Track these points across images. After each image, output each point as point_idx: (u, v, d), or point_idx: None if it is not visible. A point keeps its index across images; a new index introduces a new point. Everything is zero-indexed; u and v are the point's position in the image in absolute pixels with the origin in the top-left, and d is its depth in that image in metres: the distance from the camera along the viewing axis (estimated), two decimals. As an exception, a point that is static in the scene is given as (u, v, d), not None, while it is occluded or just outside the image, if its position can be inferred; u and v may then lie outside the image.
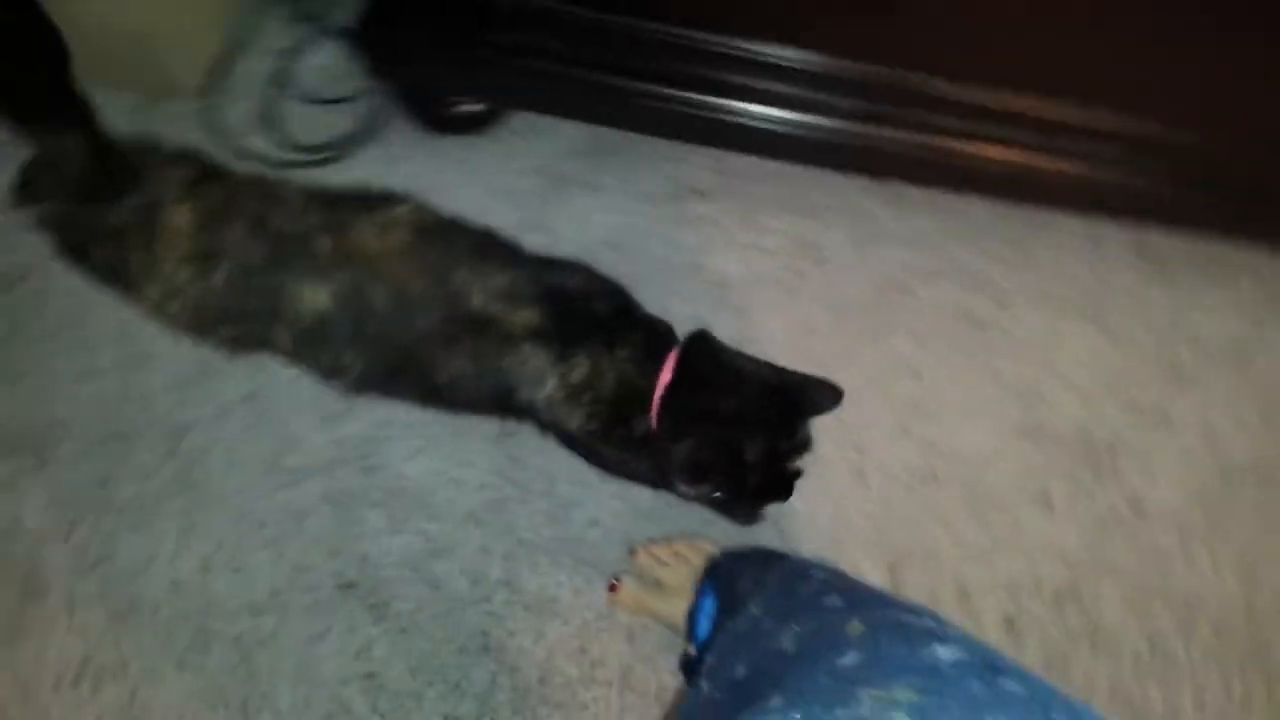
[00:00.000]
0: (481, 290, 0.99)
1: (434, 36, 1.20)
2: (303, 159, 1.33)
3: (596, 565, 1.22)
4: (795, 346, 1.28)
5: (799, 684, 0.58)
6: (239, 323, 0.99)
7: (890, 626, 0.61)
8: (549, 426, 1.09)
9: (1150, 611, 1.24)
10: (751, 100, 1.22)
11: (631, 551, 1.20)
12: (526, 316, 1.00)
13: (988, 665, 0.52)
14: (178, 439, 1.23)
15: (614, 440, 1.07)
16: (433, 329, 0.98)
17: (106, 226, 0.97)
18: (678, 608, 1.13)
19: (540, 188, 1.32)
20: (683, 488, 1.01)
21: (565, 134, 1.34)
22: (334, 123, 1.35)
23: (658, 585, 1.19)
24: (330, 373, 1.01)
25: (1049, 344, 1.29)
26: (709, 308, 1.30)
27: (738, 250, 1.31)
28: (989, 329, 1.29)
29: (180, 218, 0.96)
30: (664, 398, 1.02)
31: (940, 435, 1.28)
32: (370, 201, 1.02)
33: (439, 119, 1.36)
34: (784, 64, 1.17)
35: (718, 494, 1.03)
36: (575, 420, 1.04)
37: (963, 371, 1.28)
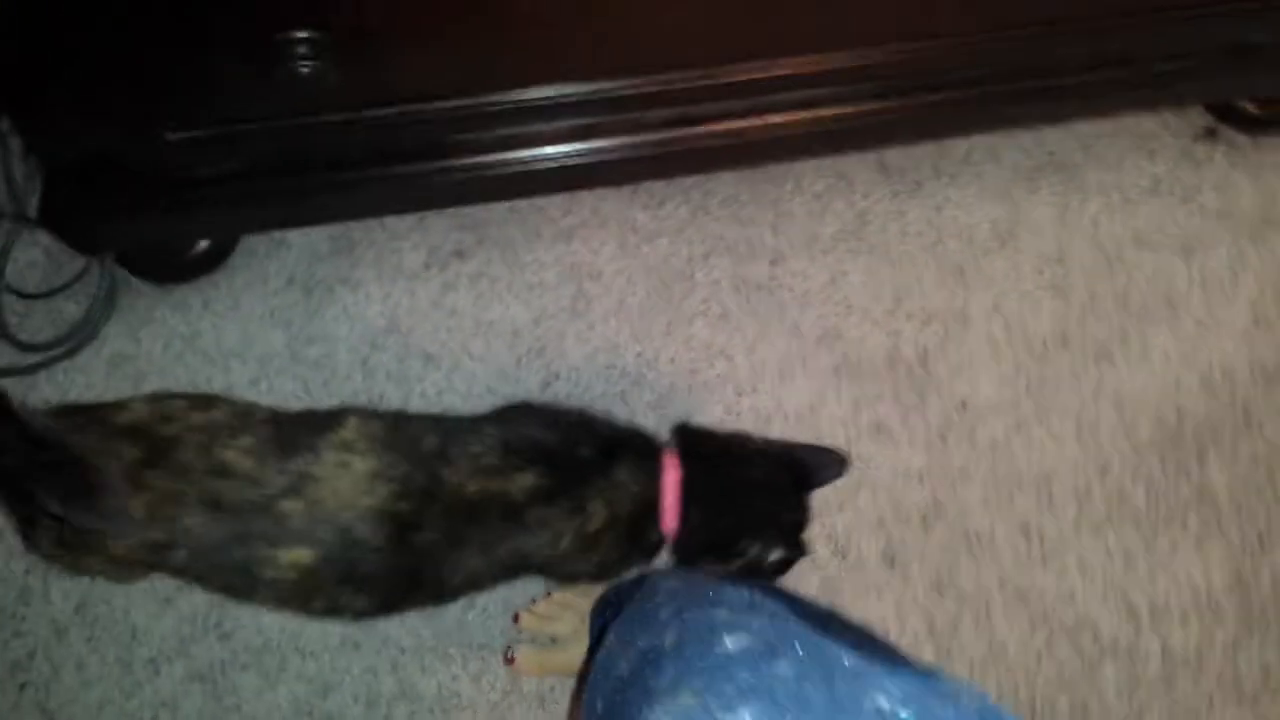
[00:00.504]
0: (468, 473, 1.05)
1: (117, 195, 1.27)
2: (47, 357, 1.40)
3: (487, 645, 1.34)
4: (603, 371, 1.43)
5: (623, 714, 0.64)
6: (210, 588, 1.04)
7: (694, 630, 0.67)
8: (558, 575, 1.19)
9: (1011, 503, 1.43)
10: (478, 152, 1.36)
11: (515, 618, 1.31)
12: (523, 481, 1.07)
13: (767, 649, 0.60)
14: (23, 672, 1.30)
15: (632, 561, 1.17)
16: (435, 541, 1.03)
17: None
18: (578, 656, 1.25)
19: (299, 300, 1.43)
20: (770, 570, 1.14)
21: (304, 240, 1.45)
22: (67, 309, 1.42)
23: (553, 641, 1.31)
24: (328, 614, 1.05)
25: (833, 284, 1.47)
26: (509, 361, 1.43)
27: (517, 295, 1.45)
28: (774, 290, 1.47)
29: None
30: (683, 495, 1.12)
31: (766, 404, 1.44)
32: (314, 426, 1.03)
33: (169, 271, 1.45)
34: (494, 109, 1.31)
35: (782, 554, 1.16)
36: (593, 560, 1.13)
37: (764, 338, 1.45)
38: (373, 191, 1.37)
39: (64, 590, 1.33)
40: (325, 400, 1.42)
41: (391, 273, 1.47)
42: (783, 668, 0.57)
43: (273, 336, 1.45)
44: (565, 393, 1.44)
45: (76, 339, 1.43)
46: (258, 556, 0.97)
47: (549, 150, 1.36)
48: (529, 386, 1.44)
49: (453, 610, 1.35)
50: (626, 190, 1.49)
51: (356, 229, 1.47)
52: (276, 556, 0.97)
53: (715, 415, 1.45)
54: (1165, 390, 1.48)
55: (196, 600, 1.36)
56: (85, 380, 1.40)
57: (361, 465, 1.01)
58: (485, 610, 1.35)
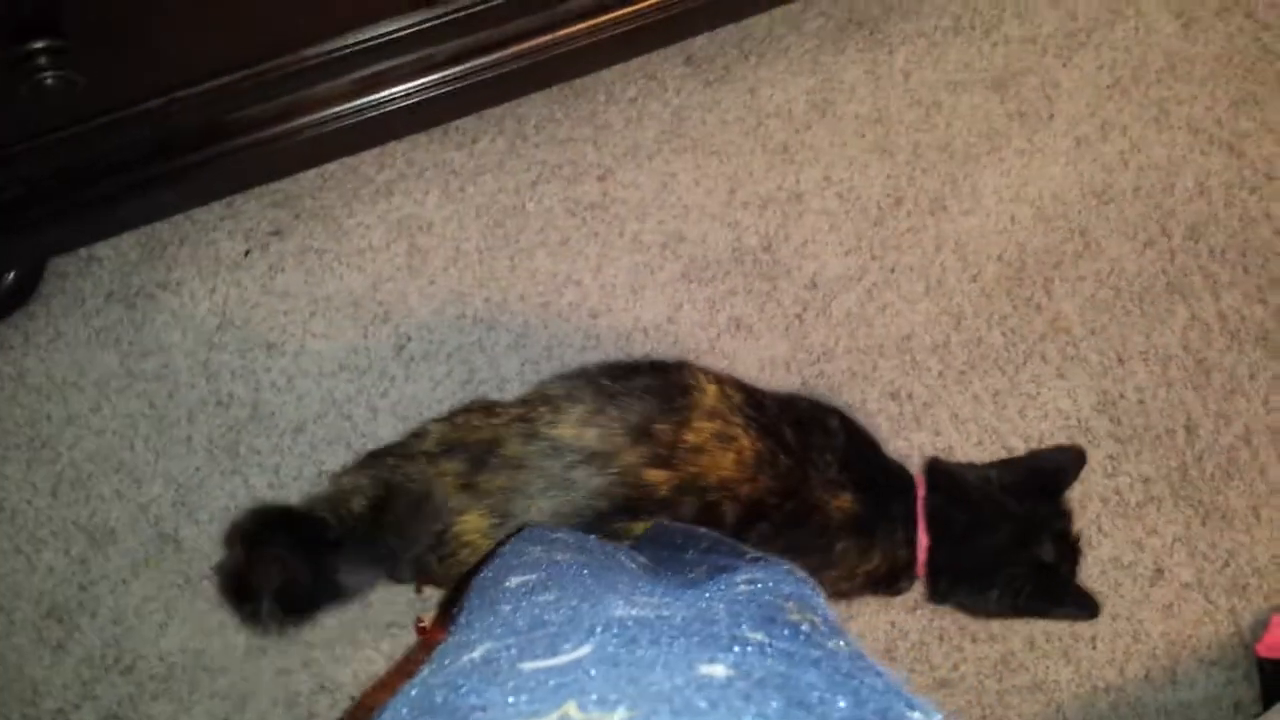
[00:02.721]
0: (821, 481, 1.07)
1: None
2: None
3: (395, 621, 1.37)
4: (454, 323, 1.42)
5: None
6: None
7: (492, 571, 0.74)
8: None
9: (876, 371, 1.48)
10: (266, 125, 1.32)
11: (418, 588, 1.32)
12: (842, 503, 1.07)
13: (526, 591, 0.64)
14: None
15: (869, 593, 1.21)
16: (765, 534, 1.04)
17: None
18: None
19: (122, 315, 1.39)
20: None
21: (113, 252, 1.40)
22: None
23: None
24: None
25: (665, 189, 1.48)
26: (355, 334, 1.41)
27: (348, 263, 1.43)
28: (608, 206, 1.47)
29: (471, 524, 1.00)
30: (929, 560, 1.13)
31: (623, 322, 1.46)
32: (662, 395, 1.04)
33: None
34: (268, 77, 1.26)
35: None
36: (824, 591, 1.17)
37: (608, 256, 1.46)
38: (168, 187, 1.32)
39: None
40: (173, 413, 1.39)
41: (211, 266, 1.43)
42: (542, 595, 0.61)
43: (104, 358, 1.40)
44: (420, 353, 1.43)
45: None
46: (610, 530, 0.99)
47: (340, 108, 1.32)
48: (382, 355, 1.43)
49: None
50: (436, 133, 1.46)
51: (163, 229, 1.41)
52: (633, 530, 0.99)
53: (575, 343, 1.45)
54: (1002, 229, 1.52)
55: (89, 641, 1.35)
56: (-85, 441, 1.35)
57: (746, 444, 1.02)
58: (385, 588, 1.36)
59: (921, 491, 1.17)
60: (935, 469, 1.24)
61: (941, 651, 1.43)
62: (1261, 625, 1.47)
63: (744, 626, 0.54)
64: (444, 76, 1.35)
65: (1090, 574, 1.44)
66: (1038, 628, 1.44)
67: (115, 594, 1.36)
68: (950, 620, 1.43)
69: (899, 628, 1.43)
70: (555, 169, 1.48)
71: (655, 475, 0.99)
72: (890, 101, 1.53)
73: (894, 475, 1.20)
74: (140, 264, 1.41)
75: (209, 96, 1.24)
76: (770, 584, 0.65)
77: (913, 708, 0.48)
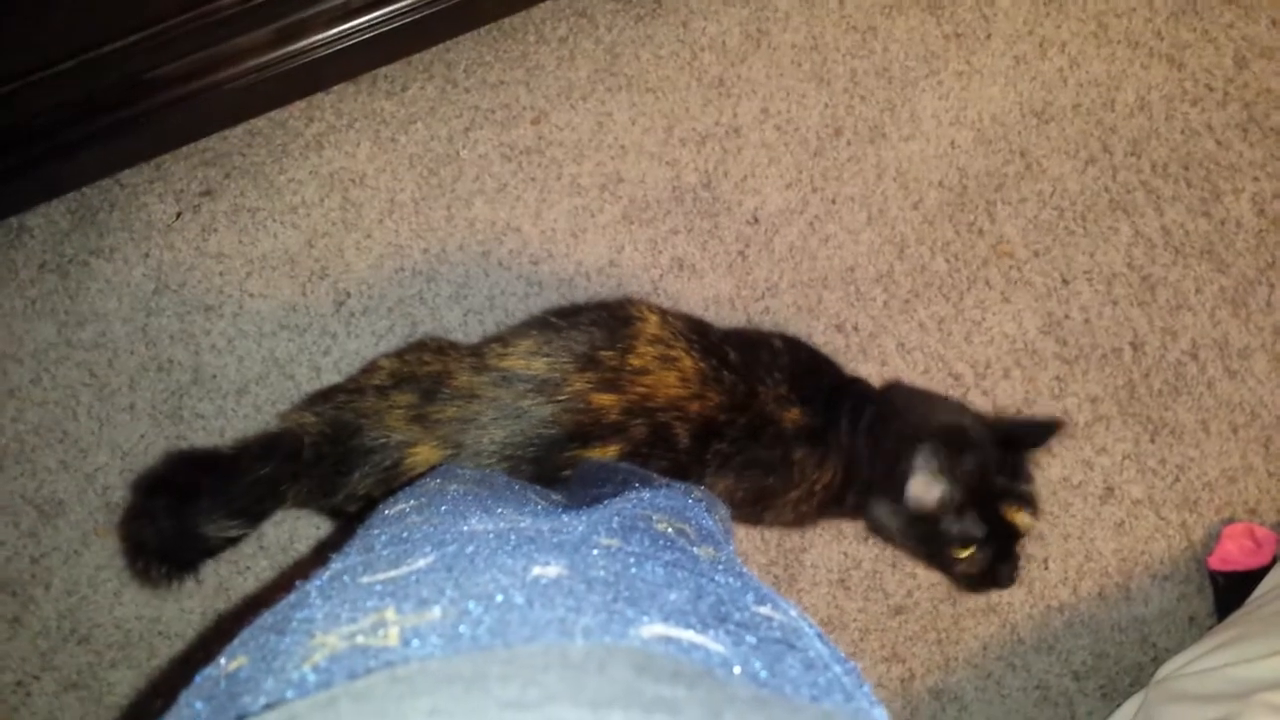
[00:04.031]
0: (773, 396, 1.09)
1: None
2: None
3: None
4: (393, 276, 1.42)
5: None
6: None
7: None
8: (755, 520, 1.23)
9: (821, 303, 1.48)
10: (185, 80, 1.31)
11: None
12: (794, 416, 1.09)
13: (398, 516, 0.65)
14: None
15: (825, 516, 1.21)
16: (722, 453, 1.07)
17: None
18: None
19: (57, 285, 1.38)
20: (914, 495, 1.11)
21: (43, 221, 1.39)
22: None
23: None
24: None
25: (600, 129, 1.47)
26: (294, 291, 1.41)
27: (281, 220, 1.42)
28: (544, 149, 1.46)
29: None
30: (847, 466, 1.14)
31: (565, 267, 1.45)
32: (606, 326, 1.07)
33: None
34: (177, 32, 1.25)
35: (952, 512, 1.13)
36: (786, 516, 1.17)
37: (546, 201, 1.45)
38: (92, 150, 1.32)
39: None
40: (114, 381, 1.39)
41: (144, 230, 1.42)
42: (412, 518, 0.62)
43: (41, 328, 1.39)
44: (360, 308, 1.43)
45: None
46: (563, 459, 1.01)
47: (262, 59, 1.31)
48: (321, 312, 1.43)
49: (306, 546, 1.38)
50: (364, 82, 1.45)
51: (93, 195, 1.40)
52: (586, 457, 1.01)
53: (519, 291, 1.45)
54: (942, 154, 1.52)
55: (44, 613, 1.36)
56: None
57: (689, 364, 1.05)
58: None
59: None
60: (898, 388, 1.26)
61: (895, 579, 1.45)
62: (1213, 538, 1.49)
63: (599, 535, 0.54)
64: (367, 21, 1.34)
65: (1041, 495, 1.46)
66: (989, 551, 1.46)
67: (68, 565, 1.37)
68: (903, 548, 1.45)
69: (852, 558, 1.45)
70: (488, 114, 1.47)
71: (604, 399, 1.01)
72: (825, 28, 1.51)
73: (847, 389, 1.21)
74: (71, 232, 1.40)
75: (126, 54, 1.23)
76: (648, 499, 0.65)
77: (762, 602, 0.49)
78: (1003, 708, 1.44)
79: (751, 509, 1.13)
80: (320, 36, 1.33)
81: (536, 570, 0.46)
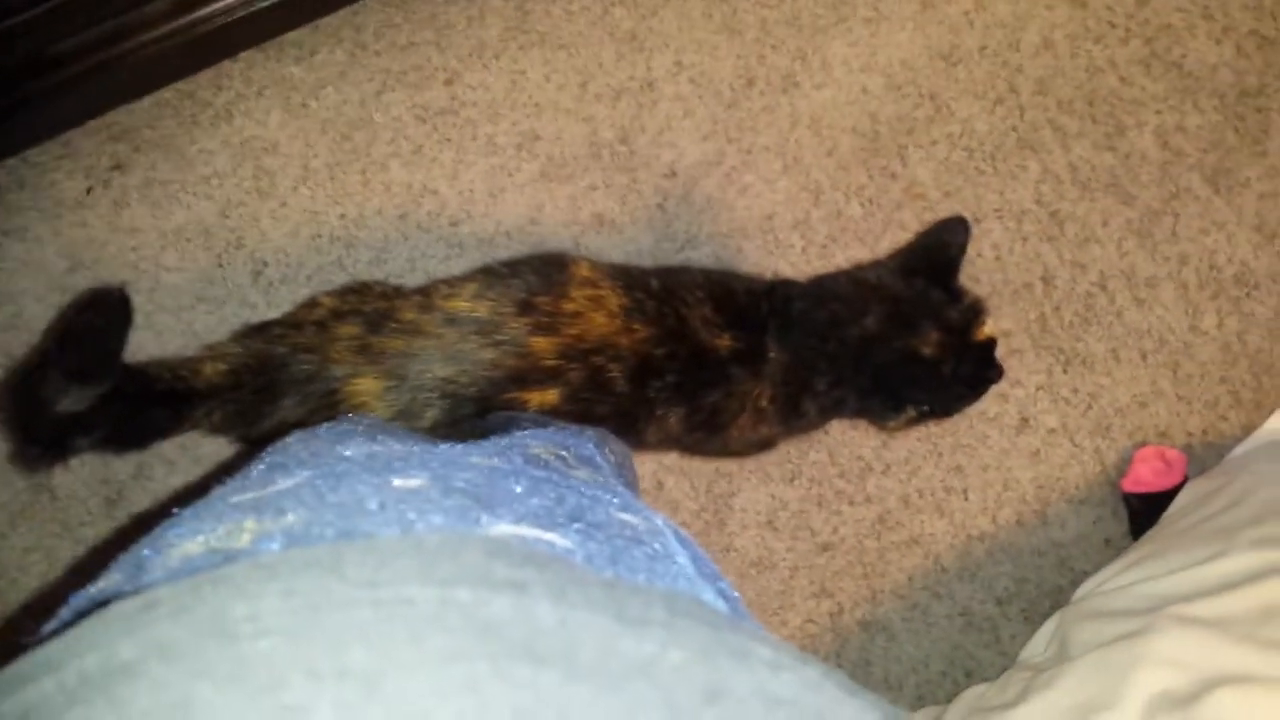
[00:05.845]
0: (701, 321, 1.11)
1: None
2: None
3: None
4: (310, 244, 1.43)
5: None
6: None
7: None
8: (717, 452, 1.34)
9: (742, 253, 1.52)
10: (88, 53, 1.30)
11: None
12: (724, 340, 1.12)
13: (284, 446, 0.65)
14: None
15: (796, 431, 1.27)
16: (664, 388, 1.09)
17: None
18: None
19: (-34, 266, 1.38)
20: (890, 423, 1.19)
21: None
22: None
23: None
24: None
25: (515, 88, 1.48)
26: (210, 263, 1.42)
27: (194, 192, 1.42)
28: (458, 110, 1.47)
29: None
30: (789, 365, 1.16)
31: (485, 227, 1.48)
32: (542, 273, 1.09)
33: None
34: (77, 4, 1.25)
35: (925, 409, 1.19)
36: (750, 439, 1.20)
37: (463, 162, 1.47)
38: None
39: None
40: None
41: (54, 208, 1.41)
42: (295, 449, 0.63)
43: (-47, 311, 1.40)
44: (279, 277, 1.44)
45: None
46: (502, 401, 1.03)
47: (165, 28, 1.31)
48: (239, 283, 1.44)
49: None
50: (272, 48, 1.44)
51: (0, 175, 1.40)
52: (526, 401, 1.03)
53: (439, 253, 1.47)
54: (854, 100, 1.55)
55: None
56: None
57: (614, 300, 1.07)
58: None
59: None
60: (807, 283, 1.27)
61: (821, 517, 1.51)
62: (1126, 462, 1.56)
63: (471, 456, 0.56)
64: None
65: (957, 428, 1.53)
66: (911, 485, 1.53)
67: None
68: (827, 487, 1.51)
69: (779, 499, 1.50)
70: (399, 76, 1.48)
71: (540, 343, 1.04)
72: (727, -23, 1.54)
73: (763, 295, 1.21)
74: (-26, 211, 1.40)
75: (25, 30, 1.22)
76: (531, 433, 0.67)
77: (626, 510, 0.51)
78: (929, 636, 1.51)
79: (711, 436, 1.16)
80: (223, 3, 1.32)
81: (397, 482, 0.49)
